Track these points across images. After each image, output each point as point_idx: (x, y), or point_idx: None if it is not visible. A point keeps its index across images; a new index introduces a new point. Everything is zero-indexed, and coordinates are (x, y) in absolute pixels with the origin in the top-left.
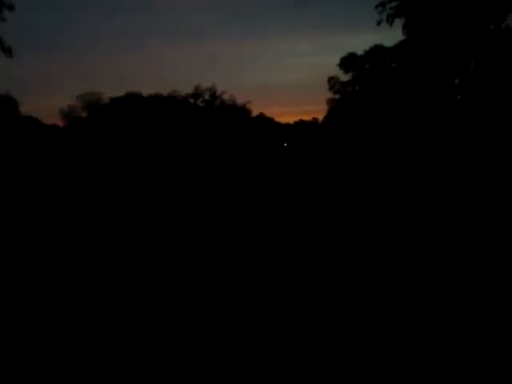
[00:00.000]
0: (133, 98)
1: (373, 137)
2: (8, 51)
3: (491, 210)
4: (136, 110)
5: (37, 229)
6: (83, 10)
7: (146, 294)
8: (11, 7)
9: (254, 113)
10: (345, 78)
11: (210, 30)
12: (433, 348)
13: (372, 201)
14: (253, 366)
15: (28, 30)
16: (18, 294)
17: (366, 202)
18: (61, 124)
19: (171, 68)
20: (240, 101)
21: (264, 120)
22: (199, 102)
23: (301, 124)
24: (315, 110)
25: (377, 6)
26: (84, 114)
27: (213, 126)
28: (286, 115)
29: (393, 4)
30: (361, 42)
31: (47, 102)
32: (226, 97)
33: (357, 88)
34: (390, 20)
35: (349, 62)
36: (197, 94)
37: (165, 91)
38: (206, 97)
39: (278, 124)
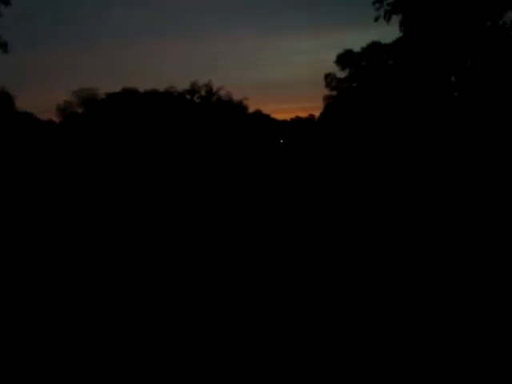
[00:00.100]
0: (129, 94)
1: (369, 134)
2: (4, 46)
3: (488, 207)
4: (132, 105)
5: (33, 225)
6: (80, 5)
7: (145, 294)
8: (7, 2)
9: (251, 109)
10: (341, 74)
11: (208, 27)
12: (433, 348)
13: (369, 197)
14: (252, 366)
15: (24, 25)
16: (17, 293)
17: (362, 198)
18: (56, 119)
19: (168, 64)
20: (237, 97)
21: (260, 116)
22: (195, 98)
23: (297, 121)
24: (312, 106)
25: (374, 3)
26: (80, 110)
27: (209, 122)
28: (282, 112)
29: (390, 0)
30: (358, 39)
31: (43, 97)
32: (222, 93)
33: (353, 85)
34: (388, 17)
35: (345, 58)
36: (193, 90)
37: (162, 87)
38: (203, 93)
39: (275, 120)
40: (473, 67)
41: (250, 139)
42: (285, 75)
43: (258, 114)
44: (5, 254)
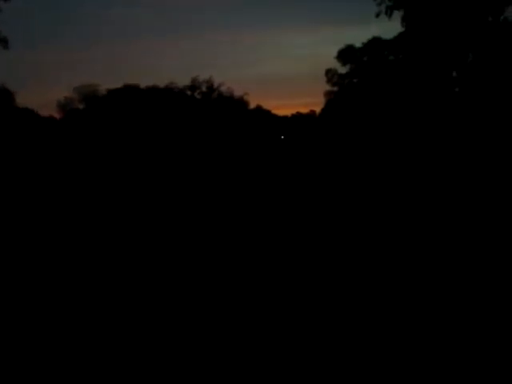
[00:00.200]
0: (130, 90)
1: (370, 129)
2: (4, 42)
3: (489, 205)
4: (133, 101)
5: (33, 221)
6: (81, 1)
7: (145, 293)
8: None
9: (252, 105)
10: (343, 70)
11: (208, 23)
12: (432, 348)
13: (370, 193)
14: (252, 366)
15: (24, 21)
16: (17, 292)
17: (364, 194)
18: (57, 116)
19: (169, 60)
20: (238, 93)
21: (261, 112)
22: (196, 94)
23: (298, 116)
24: (313, 102)
25: None
26: (81, 106)
27: (210, 118)
28: (283, 108)
29: None
30: (359, 34)
31: (44, 93)
32: (223, 89)
33: (354, 80)
34: (389, 12)
35: (347, 54)
36: (194, 86)
37: (162, 83)
38: (204, 89)
39: (276, 116)
40: (474, 62)
41: (250, 135)
42: (285, 71)
43: (259, 109)
44: (5, 252)
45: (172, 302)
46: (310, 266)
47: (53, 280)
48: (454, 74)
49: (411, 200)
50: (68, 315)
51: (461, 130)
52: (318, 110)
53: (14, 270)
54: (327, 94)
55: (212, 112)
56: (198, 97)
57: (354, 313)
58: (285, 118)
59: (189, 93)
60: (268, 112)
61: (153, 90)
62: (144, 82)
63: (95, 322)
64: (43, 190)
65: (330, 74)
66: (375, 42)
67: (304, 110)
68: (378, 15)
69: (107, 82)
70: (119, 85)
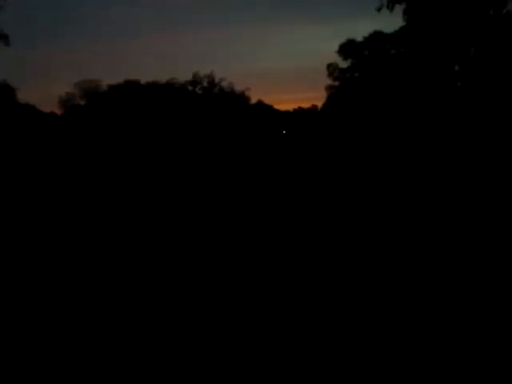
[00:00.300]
0: (131, 86)
1: (372, 124)
2: (5, 38)
3: (492, 201)
4: (134, 97)
5: (34, 218)
6: (81, 1)
7: (144, 292)
8: None
9: (253, 100)
10: (344, 64)
11: (209, 18)
12: (432, 348)
13: (372, 189)
14: (252, 366)
15: (26, 17)
16: (17, 292)
17: (365, 190)
18: (59, 112)
19: (170, 56)
20: (239, 88)
21: (263, 107)
22: (197, 90)
23: (300, 111)
24: (314, 96)
25: None
26: (82, 102)
27: (211, 113)
28: (284, 102)
29: None
30: (361, 28)
31: (45, 89)
32: (224, 84)
33: (356, 75)
34: (391, 6)
35: (348, 48)
36: (195, 81)
37: (163, 79)
38: (205, 84)
39: (277, 111)
40: (476, 56)
41: (252, 130)
42: (286, 66)
43: (260, 104)
44: (5, 248)
45: (172, 301)
46: (310, 262)
47: (51, 275)
48: (456, 68)
49: (413, 195)
50: (68, 315)
51: (463, 123)
52: (319, 104)
53: (13, 265)
54: (329, 88)
55: (213, 107)
56: (200, 92)
57: (354, 312)
58: (286, 112)
59: (190, 88)
60: (269, 107)
61: (154, 86)
62: (145, 78)
63: (95, 322)
64: (45, 186)
65: (332, 68)
66: (376, 35)
67: (306, 105)
68: (379, 9)
69: (108, 77)
70: (120, 79)
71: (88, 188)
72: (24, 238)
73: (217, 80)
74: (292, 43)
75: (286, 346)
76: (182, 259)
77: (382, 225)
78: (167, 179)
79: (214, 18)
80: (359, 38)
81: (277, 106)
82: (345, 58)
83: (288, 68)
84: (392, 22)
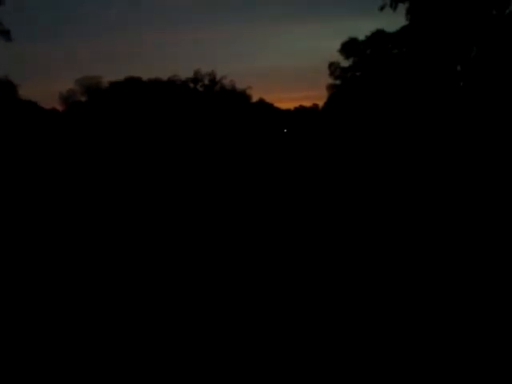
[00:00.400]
0: (132, 83)
1: (374, 123)
2: (7, 34)
3: (495, 200)
4: (135, 94)
5: (34, 216)
6: (81, 1)
7: (144, 292)
8: None
9: (254, 98)
10: (345, 63)
11: (210, 16)
12: (432, 348)
13: (373, 187)
14: (252, 366)
15: (27, 13)
16: (17, 292)
17: (366, 189)
18: (60, 108)
19: (170, 56)
20: (240, 86)
21: (264, 106)
22: (199, 87)
23: (301, 110)
24: (315, 95)
25: None
26: (83, 99)
27: (212, 111)
28: (286, 101)
29: None
30: (361, 27)
31: (46, 85)
32: (225, 82)
33: (357, 74)
34: (394, 5)
35: (350, 47)
36: (196, 78)
37: (165, 76)
38: (206, 82)
39: (278, 110)
40: (478, 56)
41: (253, 128)
42: (287, 64)
43: (262, 103)
44: (6, 244)
45: (171, 301)
46: (310, 261)
47: (50, 274)
48: (459, 68)
49: (415, 194)
50: (68, 315)
51: (465, 123)
52: (320, 103)
53: (13, 262)
54: (330, 87)
55: (214, 105)
56: (201, 89)
57: (354, 312)
58: (287, 111)
59: (191, 85)
60: (270, 105)
61: (155, 83)
62: (146, 74)
63: (95, 322)
64: (46, 182)
65: (333, 67)
66: (379, 34)
67: (307, 104)
68: (382, 8)
69: (109, 74)
70: (121, 76)
71: (89, 184)
72: (25, 234)
73: (218, 78)
74: (292, 42)
75: (286, 346)
76: (182, 256)
77: (383, 223)
78: (169, 175)
79: (214, 18)
80: (361, 37)
81: (278, 105)
82: (347, 57)
83: (288, 67)
84: (392, 21)
